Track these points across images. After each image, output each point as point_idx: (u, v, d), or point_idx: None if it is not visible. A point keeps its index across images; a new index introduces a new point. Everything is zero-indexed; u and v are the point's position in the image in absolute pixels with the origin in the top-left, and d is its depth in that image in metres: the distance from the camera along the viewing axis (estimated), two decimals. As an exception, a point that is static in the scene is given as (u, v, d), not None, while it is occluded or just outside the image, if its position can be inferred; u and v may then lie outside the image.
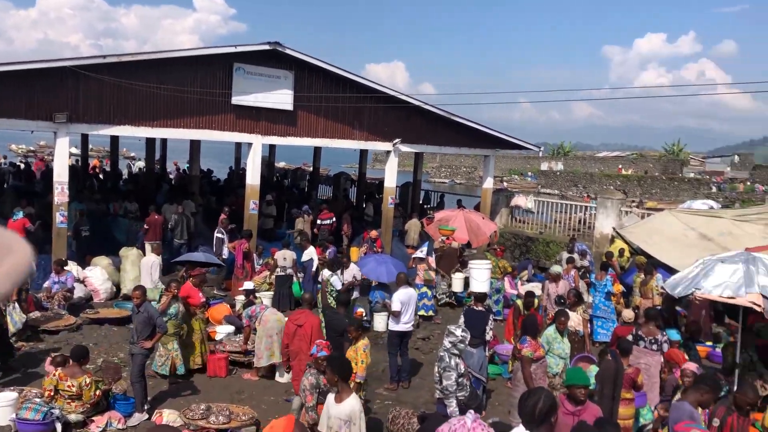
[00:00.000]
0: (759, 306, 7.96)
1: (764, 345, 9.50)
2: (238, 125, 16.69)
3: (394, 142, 19.13)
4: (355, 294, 13.47)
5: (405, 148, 19.89)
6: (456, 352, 7.39)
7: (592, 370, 8.21)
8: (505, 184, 45.68)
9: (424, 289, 14.21)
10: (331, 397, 5.96)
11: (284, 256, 14.35)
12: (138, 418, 8.51)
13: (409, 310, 10.46)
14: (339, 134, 18.56)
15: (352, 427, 5.64)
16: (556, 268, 13.14)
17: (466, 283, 15.41)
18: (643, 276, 13.34)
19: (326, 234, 17.93)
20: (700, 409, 6.09)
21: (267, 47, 16.40)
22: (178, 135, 16.49)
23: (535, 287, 14.80)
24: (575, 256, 15.62)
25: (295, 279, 14.45)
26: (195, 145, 21.26)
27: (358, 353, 7.93)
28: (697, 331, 10.76)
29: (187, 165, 24.81)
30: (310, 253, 14.83)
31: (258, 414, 8.65)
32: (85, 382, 8.21)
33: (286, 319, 10.55)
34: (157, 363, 9.89)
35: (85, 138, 27.49)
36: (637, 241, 14.03)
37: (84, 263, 14.79)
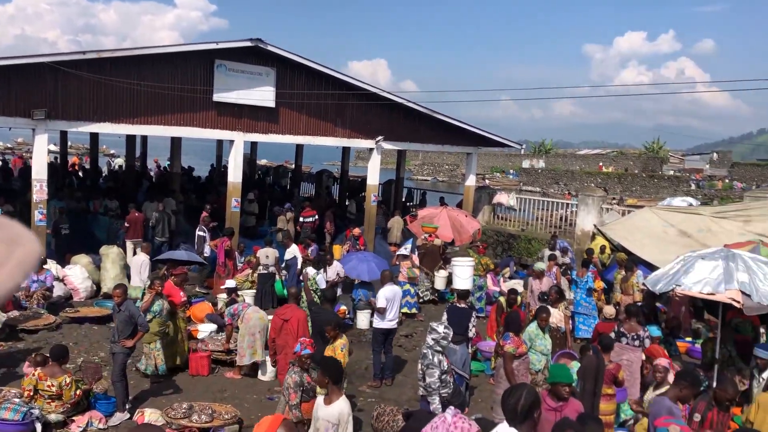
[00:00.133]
0: (738, 302, 8.08)
1: (743, 340, 9.64)
2: (219, 122, 16.58)
3: (377, 139, 19.12)
4: (338, 292, 13.46)
5: (388, 146, 19.89)
6: (439, 349, 7.41)
7: (574, 366, 8.27)
8: (487, 181, 45.86)
9: (407, 286, 14.22)
10: (320, 398, 5.92)
11: (267, 254, 14.30)
12: (119, 417, 8.44)
13: (393, 307, 10.47)
14: (321, 131, 18.51)
15: (339, 430, 5.61)
16: (539, 265, 13.22)
17: (449, 280, 15.47)
18: (623, 273, 13.46)
19: (309, 232, 17.89)
20: (680, 404, 6.15)
21: (249, 44, 16.30)
22: (159, 132, 16.35)
23: (517, 284, 14.87)
24: (557, 253, 15.71)
25: (277, 277, 14.41)
26: (176, 142, 21.10)
27: (336, 352, 7.92)
28: (677, 327, 10.90)
29: (168, 162, 24.63)
30: (293, 251, 14.79)
31: (240, 412, 8.61)
32: (65, 381, 8.12)
33: (269, 317, 10.57)
34: (142, 362, 9.84)
35: (64, 135, 27.16)
36: (617, 238, 14.16)
37: (64, 261, 14.63)
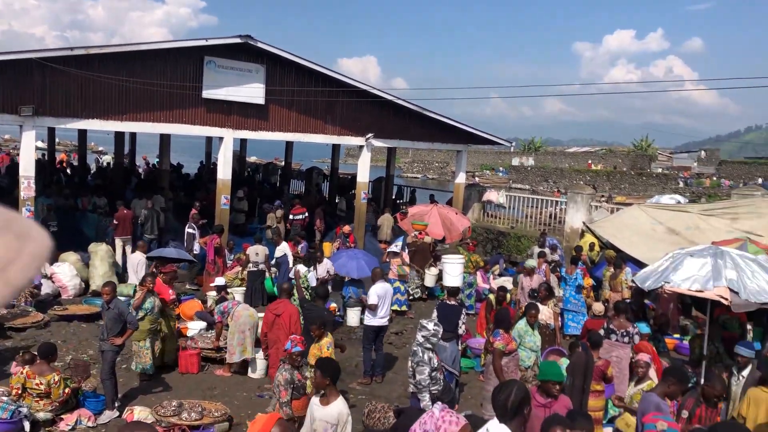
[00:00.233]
0: (726, 299, 8.14)
1: (730, 337, 9.72)
2: (209, 119, 16.51)
3: (367, 136, 19.11)
4: (329, 289, 13.46)
5: (378, 143, 19.88)
6: (429, 346, 7.42)
7: (563, 362, 8.32)
8: (477, 179, 45.96)
9: (397, 284, 14.24)
10: (315, 399, 5.86)
11: (256, 252, 14.28)
12: (108, 415, 8.41)
13: (385, 304, 10.49)
14: (311, 129, 18.47)
15: (339, 430, 5.57)
16: (530, 262, 13.30)
17: (439, 277, 15.51)
18: (612, 270, 13.54)
19: (298, 229, 17.86)
20: (668, 400, 6.20)
21: (238, 40, 16.24)
22: (148, 129, 16.25)
23: (507, 281, 14.93)
24: (546, 250, 15.78)
25: (267, 274, 14.38)
26: (165, 139, 21.00)
27: (323, 351, 7.92)
28: (665, 324, 10.96)
29: (157, 159, 24.51)
30: (284, 249, 14.76)
31: (230, 410, 8.60)
32: (54, 379, 8.08)
33: (259, 314, 10.57)
34: (133, 362, 9.82)
35: (51, 132, 26.98)
36: (606, 235, 14.22)
37: (52, 259, 14.53)
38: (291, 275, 12.93)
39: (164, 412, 8.07)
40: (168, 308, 10.46)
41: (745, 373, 7.91)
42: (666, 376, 6.37)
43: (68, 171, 28.17)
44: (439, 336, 7.63)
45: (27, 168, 14.20)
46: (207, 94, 16.15)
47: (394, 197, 25.76)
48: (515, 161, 68.23)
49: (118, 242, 15.65)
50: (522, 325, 9.21)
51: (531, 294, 11.55)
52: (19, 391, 7.96)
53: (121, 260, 15.45)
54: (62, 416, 8.16)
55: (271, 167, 32.90)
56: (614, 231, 13.93)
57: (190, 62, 15.96)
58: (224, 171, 17.13)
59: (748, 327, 10.90)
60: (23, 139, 14.17)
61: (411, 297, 15.26)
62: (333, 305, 12.73)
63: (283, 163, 31.77)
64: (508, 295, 11.90)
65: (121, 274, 14.71)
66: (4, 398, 7.89)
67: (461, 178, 22.55)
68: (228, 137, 16.96)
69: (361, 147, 19.53)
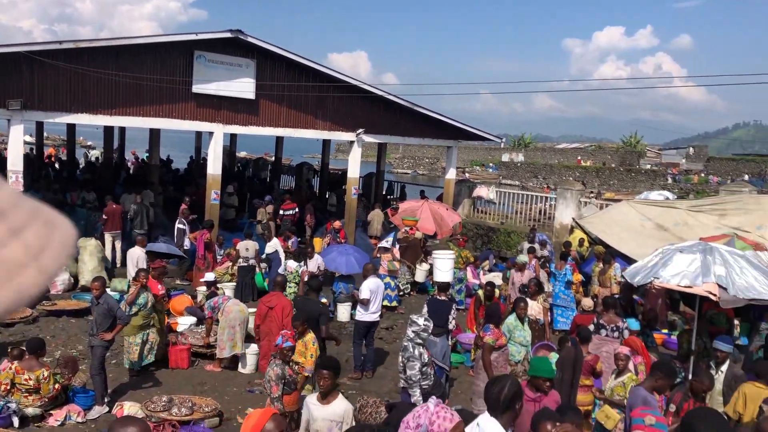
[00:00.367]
0: (715, 295, 8.21)
1: (716, 332, 9.80)
2: (198, 114, 16.45)
3: (358, 132, 19.10)
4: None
5: (368, 139, 19.87)
6: (419, 341, 7.44)
7: (553, 357, 8.37)
8: (467, 175, 46.03)
9: (387, 279, 14.26)
10: (312, 399, 5.79)
11: (246, 247, 14.25)
12: (98, 411, 8.39)
13: (377, 299, 10.51)
14: (302, 124, 18.44)
15: (344, 427, 5.55)
16: (522, 258, 13.36)
17: (429, 272, 15.54)
18: (601, 265, 13.61)
19: (289, 224, 17.84)
20: (656, 394, 6.25)
21: (229, 35, 16.18)
22: (138, 123, 16.18)
23: (497, 277, 14.99)
24: (536, 246, 15.84)
25: (257, 269, 14.36)
26: (154, 133, 20.90)
27: (308, 347, 7.92)
28: (653, 319, 11.04)
29: (146, 154, 24.39)
30: (275, 245, 14.75)
31: (221, 405, 8.60)
32: (43, 375, 8.05)
33: (249, 309, 10.57)
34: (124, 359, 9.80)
35: (40, 126, 26.77)
36: (595, 231, 14.32)
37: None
38: (281, 270, 12.92)
39: (154, 408, 8.06)
40: (159, 303, 10.43)
41: (724, 368, 7.98)
42: (654, 370, 6.42)
43: (57, 166, 27.98)
44: (430, 331, 7.64)
45: (15, 162, 14.10)
46: (197, 88, 16.09)
47: (384, 193, 25.77)
48: (505, 157, 68.37)
49: (108, 237, 15.57)
50: (512, 320, 9.26)
51: (521, 289, 11.60)
52: (8, 387, 7.92)
53: (111, 255, 15.38)
54: (51, 412, 8.13)
55: (261, 162, 32.83)
56: (603, 227, 14.03)
57: (180, 57, 15.89)
58: (214, 166, 17.07)
59: (735, 322, 10.99)
60: (11, 133, 14.06)
61: (401, 293, 15.28)
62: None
63: (273, 158, 31.70)
64: (497, 291, 11.95)
65: (111, 269, 14.64)
66: (-7, 394, 7.86)
67: (451, 174, 22.58)
68: (218, 132, 16.90)
69: (351, 142, 19.51)
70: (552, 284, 13.55)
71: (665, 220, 13.26)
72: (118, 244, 15.65)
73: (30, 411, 7.93)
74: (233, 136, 28.34)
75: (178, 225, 15.57)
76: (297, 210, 18.95)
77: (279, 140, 27.59)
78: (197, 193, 18.80)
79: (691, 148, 72.50)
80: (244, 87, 16.72)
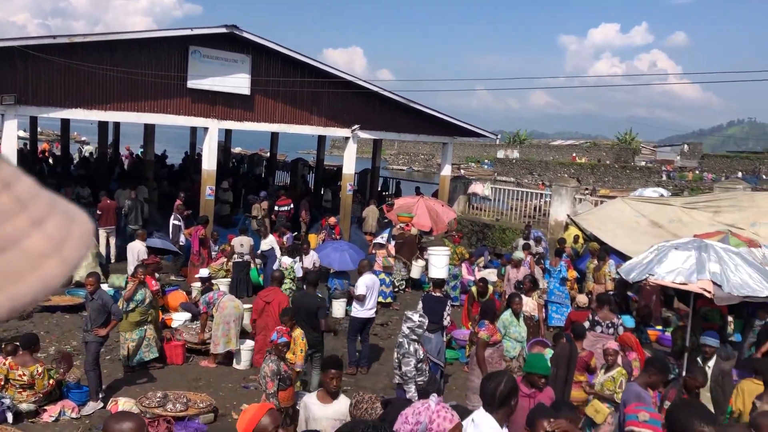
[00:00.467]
0: (709, 292, 8.23)
1: (710, 328, 9.84)
2: (193, 109, 16.40)
3: (353, 128, 19.07)
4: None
5: (364, 135, 19.84)
6: (415, 337, 7.45)
7: (548, 353, 8.38)
8: (462, 171, 46.05)
9: (382, 275, 14.27)
10: (312, 399, 5.76)
11: (241, 243, 14.23)
12: (92, 406, 8.37)
13: (372, 296, 10.51)
14: (297, 120, 18.40)
15: None
16: (518, 254, 13.39)
17: (425, 269, 15.55)
18: (596, 262, 13.65)
19: (284, 220, 17.82)
20: (650, 390, 6.27)
21: (224, 30, 16.13)
22: (132, 119, 16.13)
23: (491, 273, 15.01)
24: (531, 242, 15.87)
25: (252, 265, 14.34)
26: (149, 129, 20.83)
27: (297, 342, 7.92)
28: (648, 316, 11.06)
29: (141, 150, 24.31)
30: (271, 241, 14.73)
31: (216, 401, 8.59)
32: (38, 371, 8.03)
33: (244, 305, 10.56)
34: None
35: (34, 121, 26.67)
36: (590, 227, 14.33)
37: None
38: (275, 267, 12.90)
39: (149, 403, 8.05)
40: (154, 299, 10.41)
41: (711, 363, 8.00)
42: (647, 366, 6.44)
43: (51, 161, 27.91)
44: (425, 327, 7.65)
45: (9, 157, 14.02)
46: (192, 84, 16.04)
47: (379, 189, 25.76)
48: (500, 154, 68.41)
49: (102, 233, 15.51)
50: (507, 315, 9.27)
51: (516, 286, 11.62)
52: (2, 383, 7.90)
53: (105, 251, 15.34)
54: (45, 407, 8.11)
55: (256, 158, 32.78)
56: (598, 223, 14.05)
57: (174, 52, 15.84)
58: (209, 161, 17.04)
59: (729, 319, 11.04)
60: (5, 128, 14.02)
61: (396, 289, 15.29)
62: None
63: (268, 154, 31.64)
64: (491, 287, 11.97)
65: (105, 265, 14.60)
66: (-13, 389, 7.84)
67: (447, 171, 22.58)
68: (213, 127, 16.86)
69: (347, 138, 19.49)
70: (547, 281, 13.58)
71: (660, 217, 13.28)
72: (113, 240, 15.61)
73: (24, 407, 7.91)
74: (228, 132, 28.27)
75: (173, 221, 15.53)
76: (292, 206, 18.92)
77: (274, 136, 27.54)
78: (192, 189, 18.76)
79: (685, 145, 72.68)
80: (239, 82, 16.68)
